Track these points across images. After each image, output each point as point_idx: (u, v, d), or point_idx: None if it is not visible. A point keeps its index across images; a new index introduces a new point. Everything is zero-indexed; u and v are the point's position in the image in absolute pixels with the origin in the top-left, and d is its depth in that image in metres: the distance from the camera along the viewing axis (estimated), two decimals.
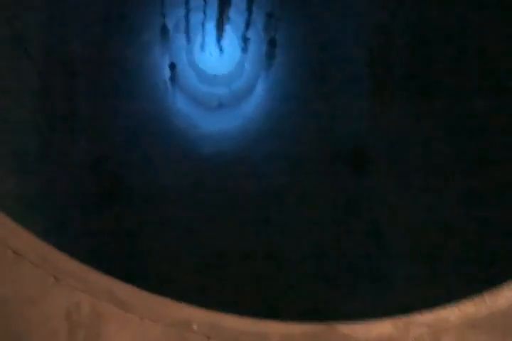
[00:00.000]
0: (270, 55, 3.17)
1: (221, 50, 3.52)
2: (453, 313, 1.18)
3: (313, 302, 2.48)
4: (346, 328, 1.17)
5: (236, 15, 3.37)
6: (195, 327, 1.17)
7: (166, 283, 2.69)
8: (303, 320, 1.20)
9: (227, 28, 3.39)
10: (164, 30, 3.24)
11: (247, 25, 3.29)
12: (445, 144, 2.27)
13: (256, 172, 3.05)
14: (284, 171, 2.98)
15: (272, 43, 3.19)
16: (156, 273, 2.75)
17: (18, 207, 2.04)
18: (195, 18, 3.36)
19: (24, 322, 1.13)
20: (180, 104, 3.42)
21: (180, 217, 2.82)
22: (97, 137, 2.80)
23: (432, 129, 2.37)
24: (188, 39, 3.47)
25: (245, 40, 3.33)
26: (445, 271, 2.12)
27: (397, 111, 2.58)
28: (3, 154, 2.01)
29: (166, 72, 3.33)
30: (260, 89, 3.44)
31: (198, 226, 2.83)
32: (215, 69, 3.70)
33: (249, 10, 3.17)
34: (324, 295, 2.57)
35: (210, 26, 3.45)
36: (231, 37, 3.58)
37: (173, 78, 3.29)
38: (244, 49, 3.40)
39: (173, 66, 3.24)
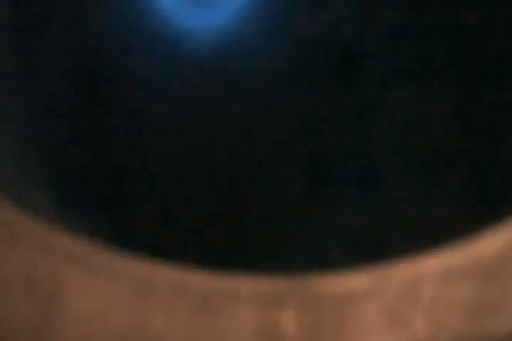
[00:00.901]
0: None
1: None
2: (430, 263, 1.11)
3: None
4: (320, 283, 1.11)
5: None
6: (160, 285, 1.11)
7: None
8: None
9: None
10: None
11: None
12: (440, 54, 2.05)
13: (245, 66, 2.84)
14: (276, 67, 2.76)
15: None
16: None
17: None
18: None
19: None
20: (162, 3, 3.08)
21: (162, 112, 2.67)
22: (74, 35, 2.55)
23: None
24: None
25: None
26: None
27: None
28: None
29: None
30: None
31: (184, 124, 2.69)
32: None
33: None
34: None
35: None
36: None
37: None
38: None
39: None
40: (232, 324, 1.05)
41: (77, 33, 2.82)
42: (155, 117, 2.81)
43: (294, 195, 2.62)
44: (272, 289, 1.07)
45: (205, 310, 1.05)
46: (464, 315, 1.11)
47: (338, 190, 2.54)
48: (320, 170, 2.65)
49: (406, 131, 2.47)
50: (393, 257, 1.11)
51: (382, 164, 2.46)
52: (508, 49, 2.00)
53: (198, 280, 1.09)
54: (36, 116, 2.43)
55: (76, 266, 1.08)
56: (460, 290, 1.12)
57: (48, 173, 2.29)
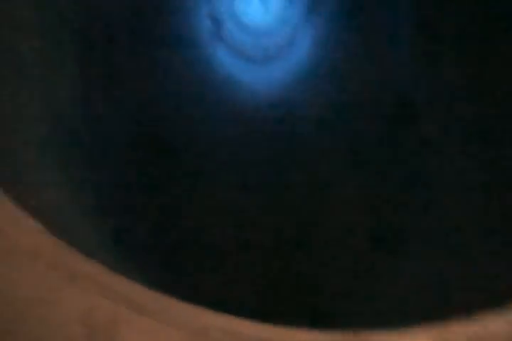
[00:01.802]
0: (314, 7, 2.89)
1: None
2: (494, 323, 1.05)
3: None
4: (377, 337, 1.07)
5: None
6: (214, 334, 1.10)
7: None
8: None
9: None
10: None
11: None
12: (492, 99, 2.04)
13: (297, 125, 2.89)
14: (324, 126, 2.80)
15: None
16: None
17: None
18: None
19: (39, 327, 1.09)
20: (222, 56, 3.23)
21: (221, 172, 2.73)
22: (136, 91, 2.69)
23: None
24: None
25: None
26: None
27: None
28: None
29: (208, 23, 3.12)
30: (304, 41, 3.20)
31: (240, 183, 2.74)
32: (259, 20, 3.45)
33: None
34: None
35: None
36: None
37: (216, 29, 3.08)
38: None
39: (215, 17, 3.02)
40: None
41: (142, 89, 2.94)
42: (211, 168, 2.85)
43: (360, 254, 2.56)
44: None
45: None
46: None
47: (401, 251, 2.48)
48: (384, 230, 2.60)
49: (466, 195, 2.39)
50: (456, 316, 1.07)
51: (449, 226, 2.39)
52: None
53: (251, 331, 1.08)
54: (106, 175, 2.51)
55: (134, 312, 1.09)
56: None
57: (112, 223, 2.34)
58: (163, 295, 1.15)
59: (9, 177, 1.39)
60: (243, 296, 2.36)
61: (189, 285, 2.18)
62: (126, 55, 2.81)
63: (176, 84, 3.07)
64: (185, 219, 2.69)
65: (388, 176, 2.67)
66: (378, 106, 2.90)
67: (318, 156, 2.93)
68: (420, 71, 2.76)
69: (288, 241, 2.66)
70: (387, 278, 2.35)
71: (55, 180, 1.99)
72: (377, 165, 2.71)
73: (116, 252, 1.94)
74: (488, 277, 1.72)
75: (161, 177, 2.85)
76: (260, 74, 3.50)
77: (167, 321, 1.09)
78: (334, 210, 2.71)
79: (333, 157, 2.90)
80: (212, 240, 2.63)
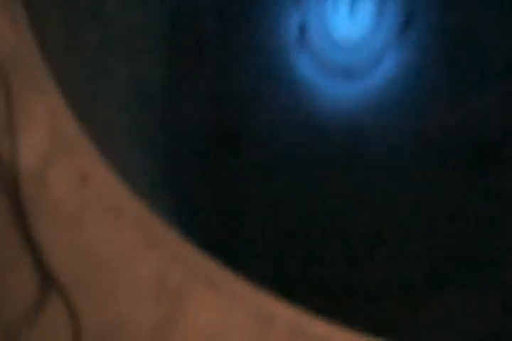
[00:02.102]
0: (404, 28, 2.86)
1: (354, 14, 3.24)
2: None
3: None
4: None
5: None
6: (280, 322, 1.10)
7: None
8: None
9: None
10: None
11: None
12: None
13: (370, 151, 2.87)
14: (402, 156, 2.77)
15: (409, 16, 2.86)
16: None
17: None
18: None
19: (115, 281, 1.11)
20: (304, 67, 3.24)
21: (289, 185, 2.74)
22: (218, 95, 2.73)
23: None
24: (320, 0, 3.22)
25: (381, 7, 3.03)
26: None
27: None
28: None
29: (295, 33, 3.13)
30: (389, 62, 3.17)
31: (310, 201, 2.74)
32: (346, 34, 3.43)
33: None
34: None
35: None
36: (366, 3, 3.27)
37: (301, 40, 3.09)
38: (379, 15, 3.09)
39: (302, 27, 3.03)
40: None
41: (221, 83, 2.98)
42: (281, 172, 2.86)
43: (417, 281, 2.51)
44: None
45: None
46: None
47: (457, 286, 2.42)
48: (443, 269, 2.54)
49: None
50: None
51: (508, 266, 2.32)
52: None
53: (319, 328, 1.07)
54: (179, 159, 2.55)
55: (205, 283, 1.10)
56: None
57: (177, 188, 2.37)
58: (235, 275, 1.15)
59: (96, 138, 1.42)
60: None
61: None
62: (213, 49, 2.86)
63: (254, 86, 3.10)
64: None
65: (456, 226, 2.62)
66: (456, 151, 2.84)
67: (380, 189, 2.90)
68: (506, 116, 2.71)
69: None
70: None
71: (130, 142, 2.03)
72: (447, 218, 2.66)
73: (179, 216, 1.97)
74: None
75: (226, 162, 2.87)
76: (337, 89, 3.49)
77: (236, 303, 1.09)
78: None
79: (398, 198, 2.86)
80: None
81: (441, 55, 3.03)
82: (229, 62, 2.99)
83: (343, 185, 2.85)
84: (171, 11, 2.49)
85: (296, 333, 1.06)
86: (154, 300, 1.07)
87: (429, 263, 2.52)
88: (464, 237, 2.52)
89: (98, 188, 1.22)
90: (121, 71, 2.10)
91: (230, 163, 2.82)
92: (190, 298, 1.09)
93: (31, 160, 1.20)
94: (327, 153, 3.03)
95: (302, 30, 3.35)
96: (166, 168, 2.31)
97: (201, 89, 2.89)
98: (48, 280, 1.02)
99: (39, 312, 1.03)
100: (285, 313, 1.09)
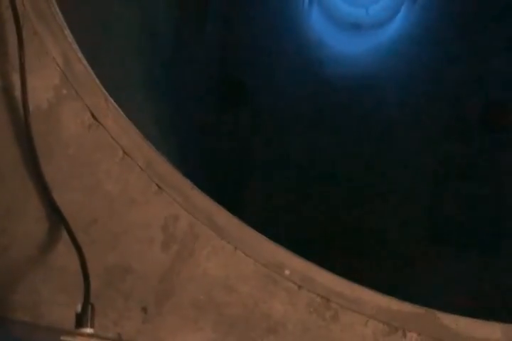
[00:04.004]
0: None
1: None
2: None
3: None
4: (448, 319, 1.03)
5: None
6: (287, 272, 1.07)
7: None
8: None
9: None
10: None
11: None
12: None
13: (380, 101, 2.79)
14: (409, 112, 2.69)
15: None
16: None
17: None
18: None
19: (123, 223, 1.07)
20: (314, 19, 3.11)
21: (297, 136, 2.68)
22: (226, 44, 2.63)
23: None
24: None
25: None
26: None
27: None
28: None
29: None
30: (400, 17, 3.04)
31: (312, 147, 2.68)
32: None
33: None
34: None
35: None
36: None
37: None
38: None
39: None
40: (347, 330, 0.98)
41: (231, 37, 2.87)
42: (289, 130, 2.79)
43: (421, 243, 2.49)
44: (398, 310, 1.00)
45: (325, 310, 1.00)
46: None
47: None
48: (444, 228, 2.51)
49: None
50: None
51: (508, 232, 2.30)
52: None
53: (326, 280, 1.04)
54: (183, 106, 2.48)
55: (214, 228, 1.06)
56: None
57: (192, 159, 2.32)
58: (244, 223, 1.12)
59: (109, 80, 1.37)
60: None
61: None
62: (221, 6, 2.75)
63: (264, 39, 3.00)
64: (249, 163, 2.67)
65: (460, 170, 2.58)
66: (465, 106, 2.78)
67: (390, 132, 2.84)
68: None
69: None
70: None
71: (140, 100, 1.97)
72: (451, 158, 2.61)
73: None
74: None
75: (234, 116, 2.82)
76: (347, 43, 3.38)
77: (245, 249, 1.06)
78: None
79: (408, 147, 2.81)
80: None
81: (451, 16, 2.93)
82: (239, 15, 2.89)
83: (348, 138, 2.79)
84: None
85: (304, 283, 1.03)
86: (162, 246, 1.04)
87: (431, 223, 2.51)
88: (467, 201, 2.49)
89: (108, 129, 1.18)
90: (134, 15, 2.02)
91: (235, 114, 2.76)
92: (198, 241, 1.06)
93: (42, 99, 1.15)
94: (334, 107, 2.96)
95: None
96: (174, 117, 2.25)
97: (211, 39, 2.79)
98: (55, 216, 0.98)
99: (47, 251, 1.00)
100: (293, 264, 1.06)
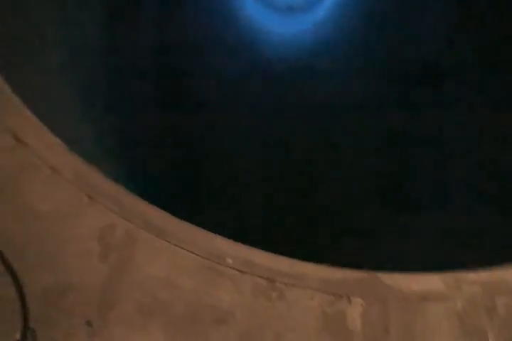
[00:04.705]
0: None
1: None
2: (511, 273, 1.02)
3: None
4: (389, 278, 1.04)
5: None
6: (229, 261, 1.07)
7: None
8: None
9: None
10: None
11: None
12: None
13: (321, 80, 2.78)
14: (348, 83, 2.69)
15: None
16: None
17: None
18: None
19: (58, 241, 1.05)
20: (249, 5, 3.07)
21: (244, 121, 2.66)
22: (159, 40, 2.58)
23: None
24: None
25: None
26: None
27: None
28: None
29: None
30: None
31: (262, 132, 2.67)
32: None
33: None
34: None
35: None
36: None
37: None
38: None
39: None
40: (294, 307, 0.99)
41: (162, 32, 2.82)
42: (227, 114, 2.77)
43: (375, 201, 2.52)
44: (341, 278, 1.01)
45: (270, 291, 1.00)
46: None
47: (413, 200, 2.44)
48: (391, 189, 2.55)
49: (478, 156, 2.33)
50: (472, 265, 1.04)
51: (452, 184, 2.34)
52: None
53: (269, 262, 1.05)
54: (122, 107, 2.44)
55: (152, 233, 1.05)
56: None
57: (127, 156, 2.29)
58: (182, 220, 1.11)
59: (32, 94, 1.33)
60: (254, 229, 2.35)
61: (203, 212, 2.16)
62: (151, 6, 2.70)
63: (201, 29, 2.95)
64: (198, 153, 2.65)
65: (404, 135, 2.61)
66: (403, 69, 2.79)
67: (334, 113, 2.86)
68: (447, 37, 2.65)
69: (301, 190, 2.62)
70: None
71: (71, 100, 1.93)
72: (394, 126, 2.65)
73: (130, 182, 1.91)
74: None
75: (176, 111, 2.79)
76: (285, 25, 3.37)
77: (184, 244, 1.05)
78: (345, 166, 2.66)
79: (352, 114, 2.82)
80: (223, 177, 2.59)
81: None
82: (172, 9, 2.84)
83: (294, 115, 2.79)
84: None
85: (246, 269, 1.03)
86: (100, 256, 1.03)
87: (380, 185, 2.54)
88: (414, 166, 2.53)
89: (33, 148, 1.16)
90: (58, 31, 1.97)
91: (176, 106, 2.73)
92: (136, 246, 1.05)
93: None
94: (274, 88, 2.95)
95: None
96: (112, 117, 2.21)
97: (144, 33, 2.74)
98: None
99: None
100: (234, 251, 1.06)
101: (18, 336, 0.78)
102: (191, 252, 1.04)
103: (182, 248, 1.04)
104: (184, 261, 1.01)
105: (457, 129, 2.39)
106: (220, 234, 1.12)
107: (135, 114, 2.56)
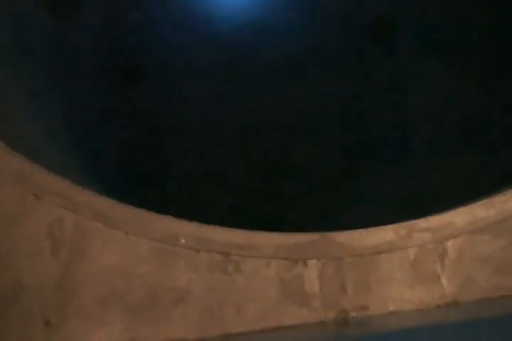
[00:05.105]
0: None
1: None
2: (460, 217, 1.03)
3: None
4: (342, 236, 1.04)
5: None
6: (183, 241, 1.06)
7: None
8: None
9: None
10: None
11: None
12: (476, 19, 1.93)
13: (274, 45, 2.73)
14: (304, 45, 2.65)
15: None
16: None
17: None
18: None
19: (7, 241, 1.04)
20: None
21: (198, 93, 2.61)
22: (107, 15, 2.50)
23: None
24: None
25: None
26: None
27: None
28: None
29: None
30: None
31: (216, 102, 2.63)
32: None
33: None
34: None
35: None
36: None
37: None
38: None
39: None
40: (251, 277, 0.99)
41: (109, 6, 2.73)
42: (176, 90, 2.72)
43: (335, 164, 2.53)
44: (295, 243, 1.01)
45: (226, 264, 1.00)
46: (491, 269, 1.04)
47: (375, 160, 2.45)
48: (355, 143, 2.56)
49: (437, 106, 2.34)
50: (422, 213, 1.04)
51: (416, 136, 2.36)
52: None
53: (219, 236, 1.04)
54: (75, 94, 2.38)
55: (101, 224, 1.04)
56: (488, 245, 1.05)
57: (80, 144, 2.25)
58: (129, 206, 1.10)
59: None
60: (215, 203, 2.34)
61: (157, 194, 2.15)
62: None
63: (145, 4, 2.88)
64: (152, 143, 2.62)
65: (363, 88, 2.61)
66: (355, 25, 2.77)
67: (292, 74, 2.83)
68: None
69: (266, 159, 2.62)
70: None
71: (22, 99, 1.87)
72: (351, 80, 2.63)
73: (83, 172, 1.88)
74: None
75: (130, 101, 2.74)
76: None
77: (135, 231, 1.04)
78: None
79: (308, 75, 2.80)
80: (182, 164, 2.57)
81: None
82: None
83: (248, 80, 2.76)
84: None
85: (201, 246, 1.02)
86: (51, 253, 1.01)
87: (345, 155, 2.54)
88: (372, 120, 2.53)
89: None
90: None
91: (129, 90, 2.68)
92: (87, 238, 1.03)
93: None
94: (222, 54, 2.91)
95: None
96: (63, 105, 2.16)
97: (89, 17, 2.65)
98: None
99: None
100: (187, 230, 1.05)
101: None
102: (143, 237, 1.02)
103: (134, 234, 1.03)
104: (136, 247, 1.00)
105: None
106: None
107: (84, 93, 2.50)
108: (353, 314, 0.87)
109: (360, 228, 1.00)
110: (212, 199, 2.49)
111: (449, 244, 0.93)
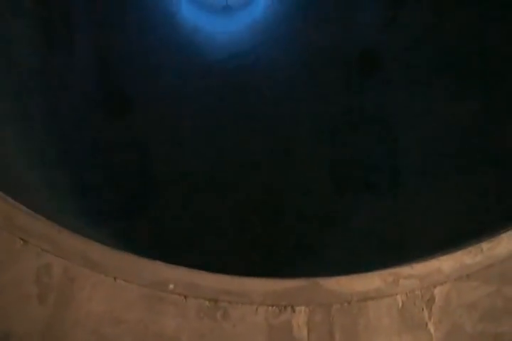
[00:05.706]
0: None
1: None
2: (447, 264, 1.04)
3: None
4: (330, 283, 1.04)
5: None
6: (171, 286, 1.05)
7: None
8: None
9: None
10: None
11: None
12: (458, 52, 2.00)
13: (264, 76, 2.80)
14: (293, 75, 2.72)
15: None
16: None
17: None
18: None
19: None
20: (185, 6, 3.09)
21: (190, 123, 2.65)
22: (98, 46, 2.55)
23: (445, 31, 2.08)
24: None
25: None
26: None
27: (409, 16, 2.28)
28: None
29: None
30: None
31: (207, 132, 2.67)
32: None
33: None
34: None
35: None
36: None
37: None
38: None
39: None
40: (239, 324, 0.98)
41: (100, 37, 2.77)
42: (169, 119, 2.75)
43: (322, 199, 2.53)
44: (283, 289, 1.00)
45: (215, 311, 0.99)
46: (478, 316, 1.03)
47: (361, 195, 2.46)
48: (345, 176, 2.58)
49: (425, 137, 2.37)
50: (410, 258, 1.05)
51: (404, 170, 2.38)
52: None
53: (211, 282, 1.03)
54: (64, 128, 2.40)
55: (90, 269, 1.03)
56: (475, 291, 1.05)
57: (71, 182, 2.25)
58: (119, 251, 1.09)
59: None
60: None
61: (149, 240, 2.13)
62: (83, 9, 2.66)
63: (138, 35, 2.94)
64: (142, 171, 2.63)
65: (352, 123, 2.65)
66: (342, 58, 2.83)
67: (283, 106, 2.88)
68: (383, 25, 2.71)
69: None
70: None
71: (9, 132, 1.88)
72: (340, 111, 2.67)
73: (73, 210, 1.87)
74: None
75: (120, 131, 2.76)
76: (221, 25, 3.39)
77: (124, 277, 1.03)
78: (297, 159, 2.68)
79: (297, 106, 2.84)
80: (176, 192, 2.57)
81: None
82: (109, 19, 2.81)
83: (237, 112, 2.80)
84: None
85: (189, 292, 1.01)
86: (39, 299, 1.00)
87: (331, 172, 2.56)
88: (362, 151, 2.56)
89: None
90: None
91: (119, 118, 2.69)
92: (75, 283, 1.02)
93: None
94: (214, 85, 2.95)
95: None
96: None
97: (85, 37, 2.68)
98: None
99: None
100: (176, 276, 1.04)
101: None
102: (132, 283, 1.02)
103: (123, 279, 1.02)
104: (124, 292, 0.99)
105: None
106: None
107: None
108: None
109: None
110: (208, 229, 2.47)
111: (436, 290, 0.93)
